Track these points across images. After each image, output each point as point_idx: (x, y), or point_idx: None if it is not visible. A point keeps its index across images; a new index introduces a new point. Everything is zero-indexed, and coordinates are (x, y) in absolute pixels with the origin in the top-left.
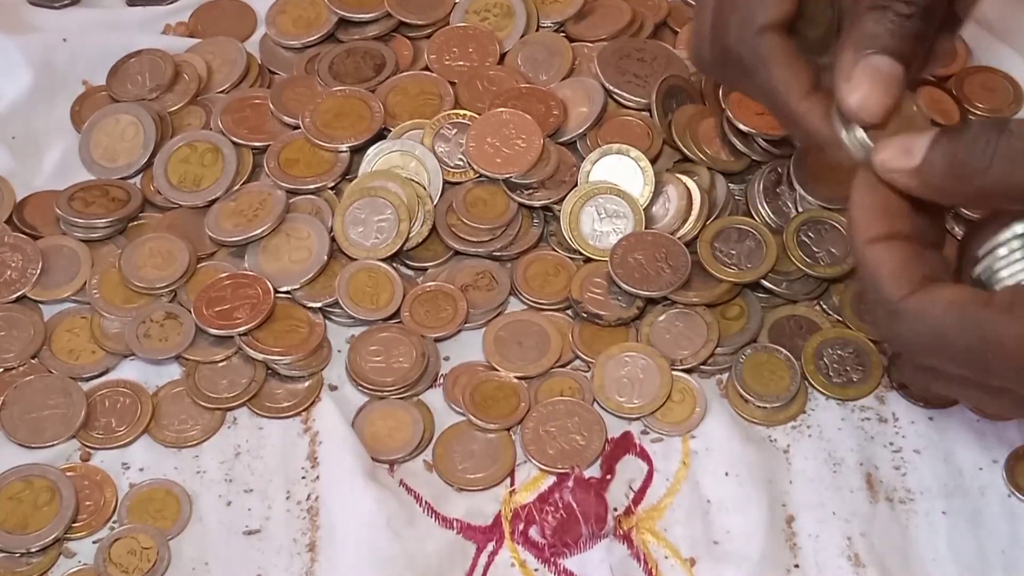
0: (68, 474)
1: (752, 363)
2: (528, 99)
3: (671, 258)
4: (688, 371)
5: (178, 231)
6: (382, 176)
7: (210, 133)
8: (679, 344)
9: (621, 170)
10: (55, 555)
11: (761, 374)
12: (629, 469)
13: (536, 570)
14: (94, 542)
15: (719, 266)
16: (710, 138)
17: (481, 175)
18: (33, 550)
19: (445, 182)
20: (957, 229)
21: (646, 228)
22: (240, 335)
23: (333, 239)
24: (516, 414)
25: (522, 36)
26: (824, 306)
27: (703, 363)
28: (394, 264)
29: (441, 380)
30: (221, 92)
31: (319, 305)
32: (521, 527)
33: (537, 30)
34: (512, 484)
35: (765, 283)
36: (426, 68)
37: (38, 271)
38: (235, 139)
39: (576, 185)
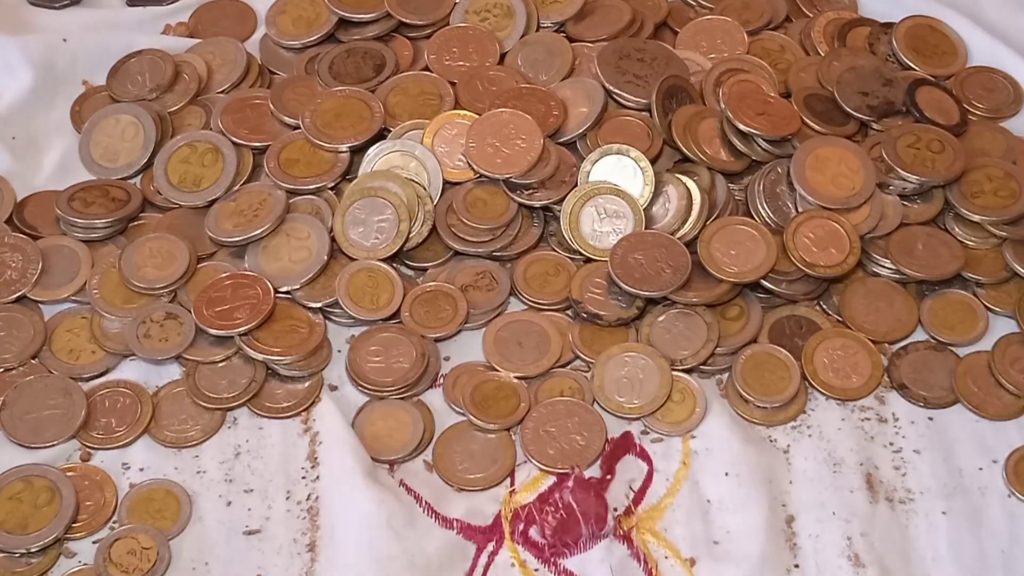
0: (68, 474)
1: (752, 363)
2: (528, 99)
3: (671, 258)
4: (688, 371)
5: (178, 231)
6: (382, 176)
7: (210, 133)
8: (679, 344)
9: (621, 170)
10: (55, 555)
11: (761, 374)
12: (629, 469)
13: (536, 570)
14: (94, 542)
15: (719, 266)
16: (710, 138)
17: (481, 175)
18: (33, 550)
19: (445, 182)
20: (957, 229)
21: (646, 228)
22: (240, 335)
23: (333, 239)
24: (516, 414)
25: (522, 36)
26: (824, 306)
27: (703, 363)
28: (394, 264)
29: (441, 380)
30: (221, 92)
31: (319, 305)
32: (521, 527)
33: (537, 30)
34: (512, 484)
35: (765, 283)
36: (426, 68)
37: (38, 271)
38: (235, 139)
39: (576, 185)
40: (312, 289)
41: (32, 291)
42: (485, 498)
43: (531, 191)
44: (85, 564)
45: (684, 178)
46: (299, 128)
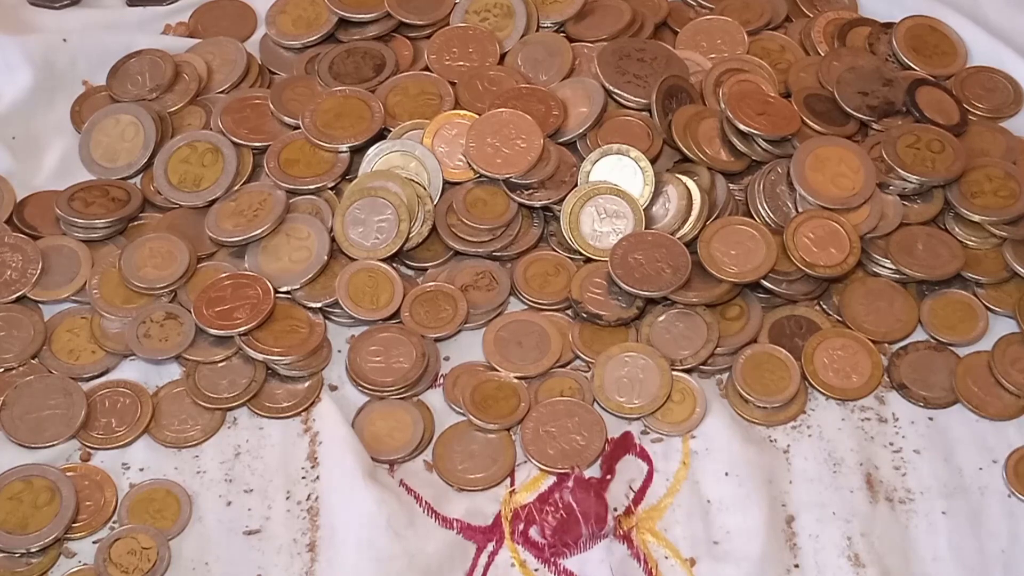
0: (68, 474)
1: (752, 363)
2: (528, 99)
3: (671, 258)
4: (688, 371)
5: (178, 231)
6: (382, 176)
7: (210, 133)
8: (679, 344)
9: (621, 170)
10: (55, 555)
11: (761, 374)
12: (629, 469)
13: (536, 570)
14: (94, 542)
15: (719, 266)
16: (710, 138)
17: (481, 175)
18: (33, 550)
19: (445, 182)
20: (957, 229)
21: (646, 228)
22: (240, 335)
23: (333, 239)
24: (516, 414)
25: (522, 36)
26: (824, 306)
27: (703, 363)
28: (394, 264)
29: (441, 380)
30: (221, 92)
31: (319, 305)
32: (521, 527)
33: (537, 30)
34: (512, 484)
35: (765, 283)
36: (426, 68)
37: (38, 271)
38: (235, 139)
39: (576, 185)
40: (312, 289)
41: (32, 291)
42: (485, 498)
43: (531, 191)
44: (85, 564)
45: (684, 178)
46: (299, 128)
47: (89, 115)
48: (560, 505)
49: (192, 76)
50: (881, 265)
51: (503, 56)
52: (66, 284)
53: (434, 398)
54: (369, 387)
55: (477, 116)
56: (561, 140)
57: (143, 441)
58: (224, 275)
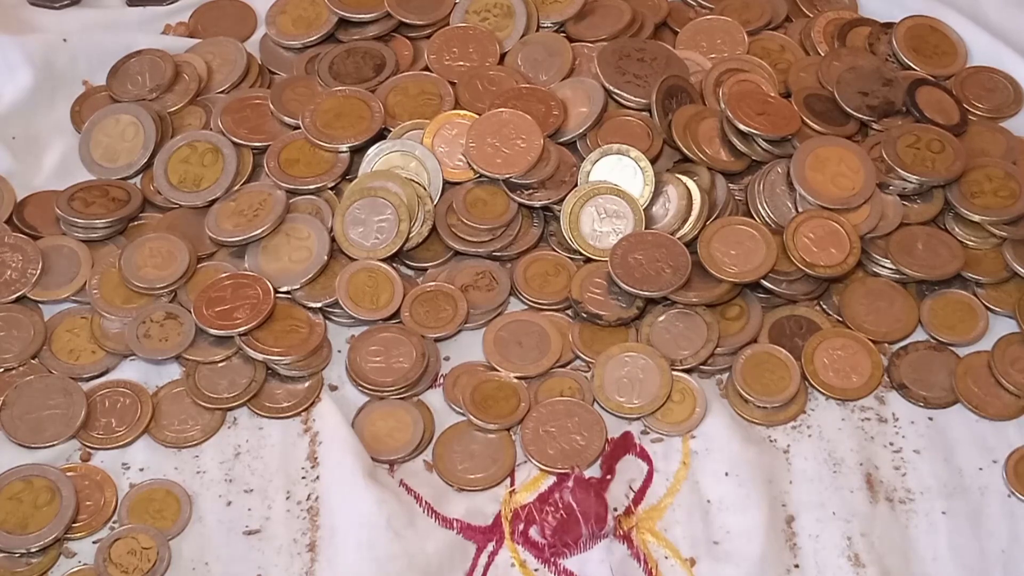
0: (68, 474)
1: (752, 363)
2: (528, 99)
3: (671, 258)
4: (688, 371)
5: (178, 231)
6: (382, 176)
7: (210, 133)
8: (679, 344)
9: (621, 170)
10: (55, 555)
11: (761, 374)
12: (629, 469)
13: (536, 570)
14: (94, 542)
15: (719, 266)
16: (710, 138)
17: (481, 175)
18: (33, 550)
19: (445, 182)
20: (957, 229)
21: (646, 228)
22: (240, 335)
23: (333, 239)
24: (516, 414)
25: (522, 36)
26: (824, 306)
27: (703, 363)
28: (394, 264)
29: (441, 380)
30: (221, 92)
31: (319, 305)
32: (521, 527)
33: (537, 30)
34: (512, 484)
35: (765, 283)
36: (426, 68)
37: (38, 271)
38: (235, 139)
39: (576, 185)
40: (312, 289)
41: (32, 291)
42: (485, 498)
43: (531, 191)
44: (85, 564)
45: (684, 178)
46: (299, 128)
47: (89, 115)
48: (560, 505)
49: (192, 76)
50: (881, 265)
51: (503, 56)
52: (66, 284)
53: (434, 398)
54: (369, 387)
55: (477, 116)
56: (561, 140)
57: (143, 441)
58: (224, 275)
